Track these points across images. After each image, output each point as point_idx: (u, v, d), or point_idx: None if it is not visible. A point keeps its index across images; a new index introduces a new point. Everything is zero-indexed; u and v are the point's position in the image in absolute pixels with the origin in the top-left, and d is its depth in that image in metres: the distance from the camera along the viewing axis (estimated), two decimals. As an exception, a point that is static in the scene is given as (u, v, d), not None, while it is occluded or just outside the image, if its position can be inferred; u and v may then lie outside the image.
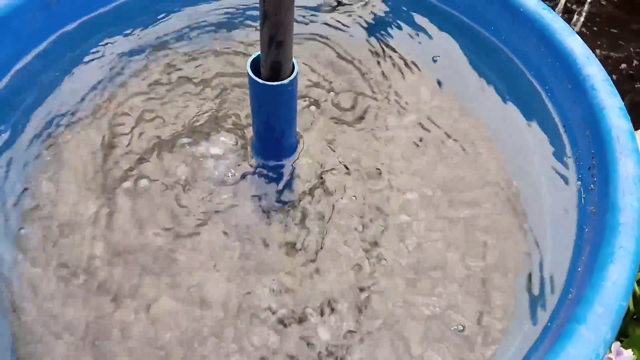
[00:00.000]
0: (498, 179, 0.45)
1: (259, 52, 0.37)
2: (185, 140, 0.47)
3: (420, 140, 0.48)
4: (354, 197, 0.44)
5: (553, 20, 0.47)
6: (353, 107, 0.51)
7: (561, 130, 0.46)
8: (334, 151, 0.47)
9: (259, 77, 0.37)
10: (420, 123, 0.49)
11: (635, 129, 0.48)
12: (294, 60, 0.37)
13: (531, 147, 0.47)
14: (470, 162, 0.47)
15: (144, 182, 0.44)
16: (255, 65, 0.38)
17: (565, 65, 0.45)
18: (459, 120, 0.50)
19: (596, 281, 0.32)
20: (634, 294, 0.63)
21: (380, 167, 0.46)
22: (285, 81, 0.37)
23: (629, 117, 0.40)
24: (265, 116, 0.40)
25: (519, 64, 0.51)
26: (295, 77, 0.37)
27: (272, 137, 0.41)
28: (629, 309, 0.63)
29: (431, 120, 0.50)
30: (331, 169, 0.46)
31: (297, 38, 0.53)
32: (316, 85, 0.52)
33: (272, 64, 0.36)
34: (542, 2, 0.48)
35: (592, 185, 0.40)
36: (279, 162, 0.44)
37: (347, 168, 0.46)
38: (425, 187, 0.45)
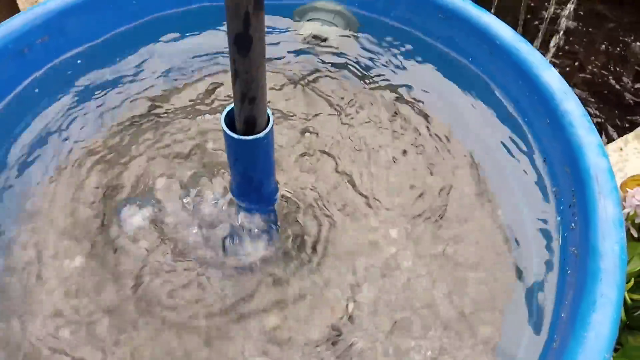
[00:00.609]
0: (482, 213, 0.45)
1: (233, 105, 0.36)
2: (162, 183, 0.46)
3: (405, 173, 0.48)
4: (336, 238, 0.44)
5: (529, 54, 0.47)
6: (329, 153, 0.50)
7: (542, 163, 0.46)
8: (315, 190, 0.46)
9: (234, 131, 0.36)
10: (404, 150, 0.49)
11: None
12: (268, 111, 0.37)
13: (511, 177, 0.47)
14: (453, 193, 0.46)
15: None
16: (230, 119, 0.37)
17: (543, 100, 0.45)
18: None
19: (579, 332, 0.32)
20: (625, 303, 0.64)
21: (362, 203, 0.46)
22: (261, 134, 0.36)
23: (607, 155, 0.40)
24: (242, 168, 0.39)
25: (499, 95, 0.51)
26: (271, 130, 0.37)
27: (251, 187, 0.41)
28: (621, 319, 0.63)
29: (415, 145, 0.49)
30: (312, 209, 0.45)
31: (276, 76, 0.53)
32: (288, 117, 0.52)
33: (247, 118, 0.36)
34: (518, 35, 0.48)
35: (573, 224, 0.40)
36: (259, 209, 0.43)
37: (327, 210, 0.45)
38: (408, 222, 0.45)
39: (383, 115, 0.52)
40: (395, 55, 0.56)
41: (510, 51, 0.48)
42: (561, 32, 1.12)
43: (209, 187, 0.47)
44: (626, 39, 1.34)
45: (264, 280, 0.42)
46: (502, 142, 0.49)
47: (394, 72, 0.55)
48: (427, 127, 0.51)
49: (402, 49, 0.56)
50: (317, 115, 0.52)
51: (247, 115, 0.35)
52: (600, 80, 1.37)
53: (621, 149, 0.98)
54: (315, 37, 0.56)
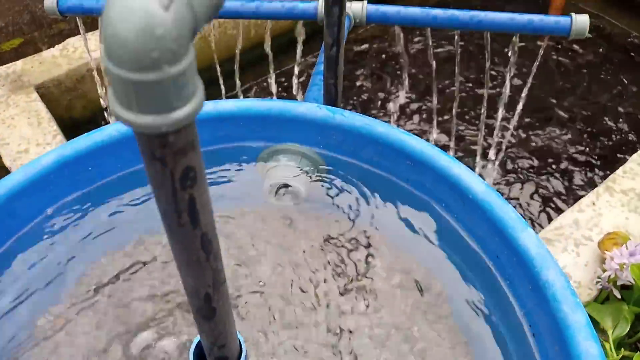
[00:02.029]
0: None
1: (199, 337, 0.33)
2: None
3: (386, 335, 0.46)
4: None
5: (504, 212, 0.45)
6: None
7: (528, 332, 0.44)
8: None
9: (204, 365, 0.34)
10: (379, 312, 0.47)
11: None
12: (240, 339, 0.34)
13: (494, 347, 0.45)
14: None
15: None
16: (199, 349, 0.34)
17: (522, 264, 0.44)
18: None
19: None
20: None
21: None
22: (234, 368, 0.33)
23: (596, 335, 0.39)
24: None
25: (475, 247, 0.49)
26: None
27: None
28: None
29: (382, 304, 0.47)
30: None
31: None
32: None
33: (217, 358, 0.33)
34: (491, 189, 0.47)
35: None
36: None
37: None
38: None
39: (348, 269, 0.50)
40: (363, 198, 0.54)
41: (483, 207, 0.47)
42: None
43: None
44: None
45: None
46: (485, 298, 0.48)
47: (360, 217, 0.54)
48: (398, 280, 0.50)
49: (371, 192, 0.54)
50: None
51: (217, 356, 0.33)
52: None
53: (594, 203, 0.98)
54: (280, 185, 0.54)
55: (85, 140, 0.49)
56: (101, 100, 1.22)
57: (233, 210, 0.55)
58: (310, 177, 0.55)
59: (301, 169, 0.54)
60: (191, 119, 0.18)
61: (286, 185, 0.53)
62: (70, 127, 1.37)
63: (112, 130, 0.50)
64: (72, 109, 1.38)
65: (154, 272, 0.50)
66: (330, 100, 0.60)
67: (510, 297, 0.45)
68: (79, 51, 1.33)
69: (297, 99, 1.43)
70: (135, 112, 0.17)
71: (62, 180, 0.49)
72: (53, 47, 1.46)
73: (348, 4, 0.89)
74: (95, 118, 1.38)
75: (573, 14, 0.87)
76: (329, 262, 0.52)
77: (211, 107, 0.51)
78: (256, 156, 0.56)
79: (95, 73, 1.14)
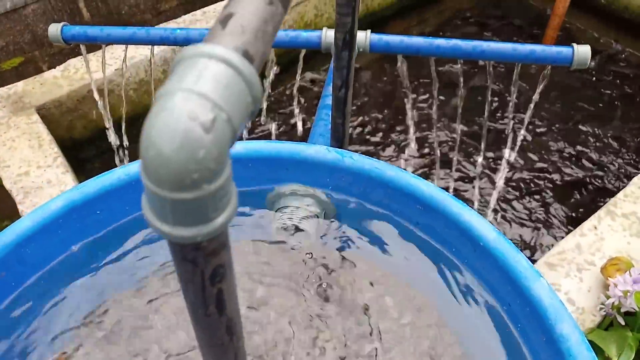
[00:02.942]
0: None
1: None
2: None
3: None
4: None
5: (516, 261, 0.45)
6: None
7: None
8: None
9: None
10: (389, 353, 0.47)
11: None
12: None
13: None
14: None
15: None
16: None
17: (536, 315, 0.43)
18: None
19: None
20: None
21: None
22: None
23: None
24: None
25: (487, 294, 0.49)
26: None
27: None
28: None
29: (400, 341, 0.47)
30: None
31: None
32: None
33: None
34: (502, 237, 0.47)
35: None
36: None
37: None
38: None
39: (350, 324, 0.50)
40: (372, 240, 0.54)
41: (495, 255, 0.47)
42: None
43: None
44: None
45: None
46: (493, 341, 0.47)
47: (369, 257, 0.53)
48: (409, 319, 0.49)
49: (380, 235, 0.54)
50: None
51: None
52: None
53: (595, 227, 0.98)
54: (289, 227, 0.54)
55: (95, 184, 0.49)
56: (106, 121, 1.22)
57: (243, 249, 0.55)
58: (319, 218, 0.54)
59: (310, 211, 0.54)
60: (225, 226, 0.18)
61: (296, 227, 0.53)
62: (71, 147, 1.37)
63: (120, 173, 0.50)
64: (73, 129, 1.38)
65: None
66: (338, 138, 0.60)
67: (524, 347, 0.45)
68: (80, 72, 1.33)
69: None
70: (171, 224, 0.17)
71: (71, 224, 0.49)
72: (53, 66, 1.46)
73: (352, 33, 0.89)
74: (95, 138, 1.38)
75: (575, 45, 0.87)
76: (338, 301, 0.51)
77: (221, 149, 0.51)
78: (265, 196, 0.55)
79: (96, 95, 1.14)
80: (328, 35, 0.90)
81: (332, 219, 0.55)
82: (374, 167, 0.51)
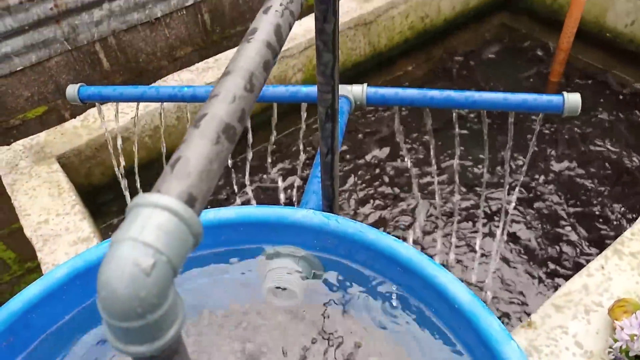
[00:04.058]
0: None
1: None
2: None
3: None
4: None
5: (488, 323, 0.48)
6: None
7: None
8: None
9: None
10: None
11: None
12: None
13: None
14: None
15: None
16: None
17: (507, 378, 0.45)
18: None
19: None
20: None
21: None
22: None
23: None
24: None
25: (466, 354, 0.51)
26: None
27: None
28: None
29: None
30: None
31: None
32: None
33: None
34: (477, 300, 0.50)
35: None
36: None
37: None
38: None
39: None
40: (357, 300, 0.57)
41: (468, 317, 0.49)
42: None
43: None
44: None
45: None
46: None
47: (356, 319, 0.56)
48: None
49: (366, 293, 0.57)
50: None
51: None
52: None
53: (602, 267, 0.98)
54: (278, 287, 0.57)
55: (96, 251, 0.53)
56: (115, 168, 1.28)
57: (234, 308, 0.58)
58: (307, 279, 0.58)
59: (298, 271, 0.57)
60: (173, 340, 0.22)
61: (284, 287, 0.56)
62: (89, 193, 1.44)
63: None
64: (91, 176, 1.44)
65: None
66: (328, 197, 0.63)
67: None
68: (98, 121, 1.40)
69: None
70: (124, 343, 0.21)
71: (74, 290, 0.53)
72: (75, 113, 1.54)
73: (349, 87, 0.94)
74: (112, 183, 1.44)
75: (565, 93, 0.90)
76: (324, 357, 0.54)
77: (212, 215, 0.55)
78: (255, 256, 0.59)
79: (109, 144, 1.20)
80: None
81: (319, 278, 0.58)
82: (357, 230, 0.54)
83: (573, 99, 0.89)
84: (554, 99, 0.91)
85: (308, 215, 0.55)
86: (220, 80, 0.27)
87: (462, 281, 0.50)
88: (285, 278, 0.56)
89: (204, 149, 0.23)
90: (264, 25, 0.31)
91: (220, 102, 0.25)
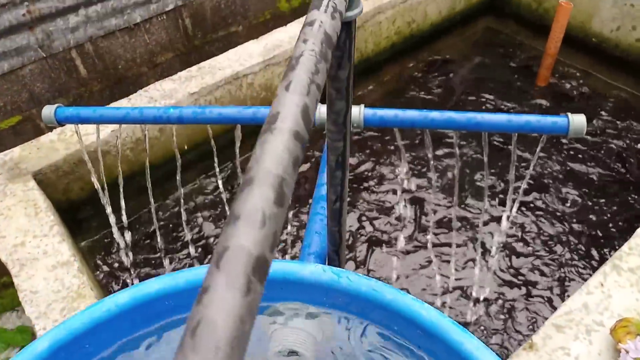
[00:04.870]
0: None
1: None
2: None
3: None
4: None
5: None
6: None
7: None
8: None
9: None
10: None
11: None
12: None
13: None
14: None
15: None
16: None
17: None
18: None
19: None
20: None
21: None
22: None
23: None
24: None
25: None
26: None
27: None
28: None
29: None
30: None
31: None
32: None
33: None
34: (487, 349, 0.46)
35: None
36: None
37: None
38: None
39: None
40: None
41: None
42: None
43: None
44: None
45: None
46: None
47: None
48: None
49: (382, 353, 0.53)
50: None
51: None
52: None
53: (602, 284, 0.95)
54: (285, 350, 0.52)
55: (81, 319, 0.47)
56: (95, 184, 1.21)
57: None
58: (317, 339, 0.53)
59: (307, 331, 0.52)
60: None
61: (293, 351, 0.52)
62: (67, 210, 1.36)
63: (110, 304, 0.49)
64: (70, 192, 1.37)
65: None
66: (334, 242, 0.59)
67: None
68: (76, 135, 1.33)
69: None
70: None
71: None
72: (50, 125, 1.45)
73: (346, 109, 0.89)
74: (92, 198, 1.37)
75: (569, 114, 0.87)
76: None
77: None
78: (261, 314, 0.54)
79: (88, 164, 1.13)
80: (322, 111, 0.90)
81: (330, 338, 0.54)
82: (372, 288, 0.50)
83: (578, 120, 0.86)
84: (559, 120, 0.87)
85: (316, 271, 0.50)
86: (241, 192, 0.22)
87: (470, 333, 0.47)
88: (293, 339, 0.51)
89: (232, 305, 0.18)
90: (289, 108, 0.26)
91: (246, 227, 0.20)
